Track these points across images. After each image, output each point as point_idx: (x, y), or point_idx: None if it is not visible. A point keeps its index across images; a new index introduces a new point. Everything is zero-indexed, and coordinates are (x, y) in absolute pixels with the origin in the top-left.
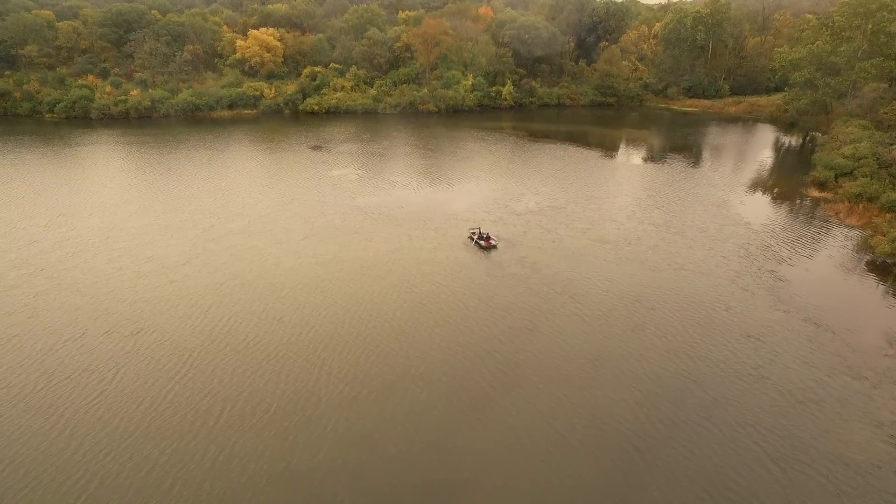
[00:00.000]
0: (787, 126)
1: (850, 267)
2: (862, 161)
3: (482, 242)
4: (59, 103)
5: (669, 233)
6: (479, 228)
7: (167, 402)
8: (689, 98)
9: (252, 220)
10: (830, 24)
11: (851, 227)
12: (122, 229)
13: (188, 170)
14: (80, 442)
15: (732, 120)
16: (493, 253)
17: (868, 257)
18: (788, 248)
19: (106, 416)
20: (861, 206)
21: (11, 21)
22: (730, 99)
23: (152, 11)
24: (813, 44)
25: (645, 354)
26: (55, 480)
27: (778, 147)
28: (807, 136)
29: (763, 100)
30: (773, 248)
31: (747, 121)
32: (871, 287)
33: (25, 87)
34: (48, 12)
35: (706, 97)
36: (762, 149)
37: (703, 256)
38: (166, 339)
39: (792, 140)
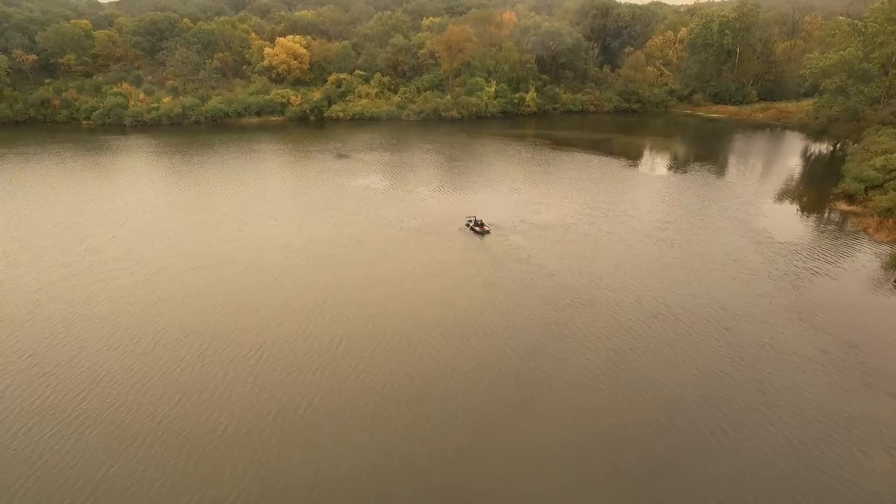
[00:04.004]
0: (816, 134)
1: (879, 286)
2: (893, 173)
3: (476, 228)
4: (95, 111)
5: (697, 248)
6: (475, 216)
7: (225, 411)
8: (716, 104)
9: (297, 227)
10: (863, 30)
11: (881, 243)
12: (177, 239)
13: (227, 178)
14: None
15: (760, 127)
16: (525, 268)
17: None
18: (816, 265)
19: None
20: (891, 221)
21: (51, 31)
22: (757, 105)
23: (183, 20)
24: (844, 50)
25: (665, 372)
26: (145, 485)
27: (807, 156)
28: (837, 144)
29: (792, 106)
30: (800, 265)
31: (775, 128)
32: None
33: (64, 94)
34: (86, 22)
35: (733, 103)
36: (790, 158)
37: (730, 272)
38: (220, 346)
39: (821, 148)
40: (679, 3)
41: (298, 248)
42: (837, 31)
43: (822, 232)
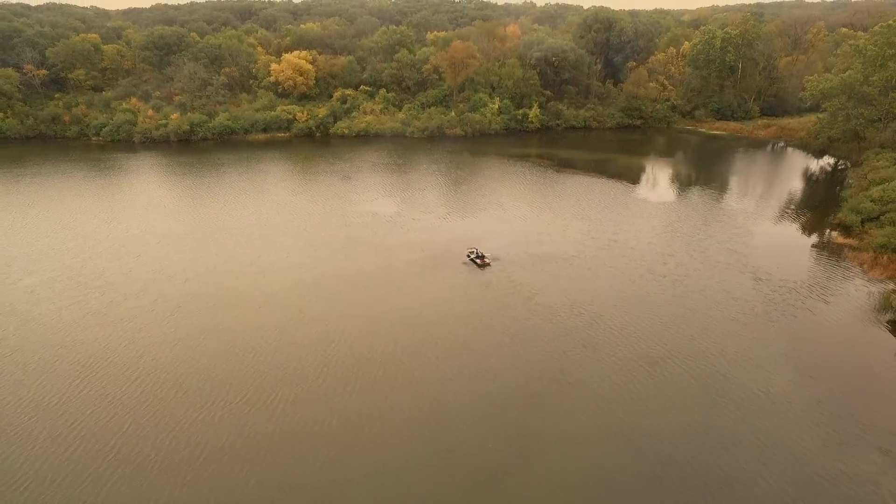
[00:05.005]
0: (817, 153)
1: (872, 329)
2: (890, 205)
3: (478, 261)
4: (104, 127)
5: (697, 284)
6: (476, 249)
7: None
8: (718, 120)
9: (308, 259)
10: (863, 53)
11: (874, 280)
12: (192, 272)
13: (238, 204)
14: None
15: (762, 145)
16: (528, 308)
17: (890, 317)
18: (812, 304)
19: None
20: (886, 257)
21: (62, 46)
22: (760, 121)
23: (191, 34)
24: (845, 72)
25: (662, 422)
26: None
27: (807, 177)
28: (838, 162)
29: (794, 122)
30: (797, 304)
31: (777, 146)
32: (891, 351)
33: (74, 110)
34: (94, 36)
35: (735, 119)
36: (790, 181)
37: (729, 312)
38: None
39: (822, 169)
40: (681, 9)
41: (310, 282)
42: (840, 53)
43: (818, 267)
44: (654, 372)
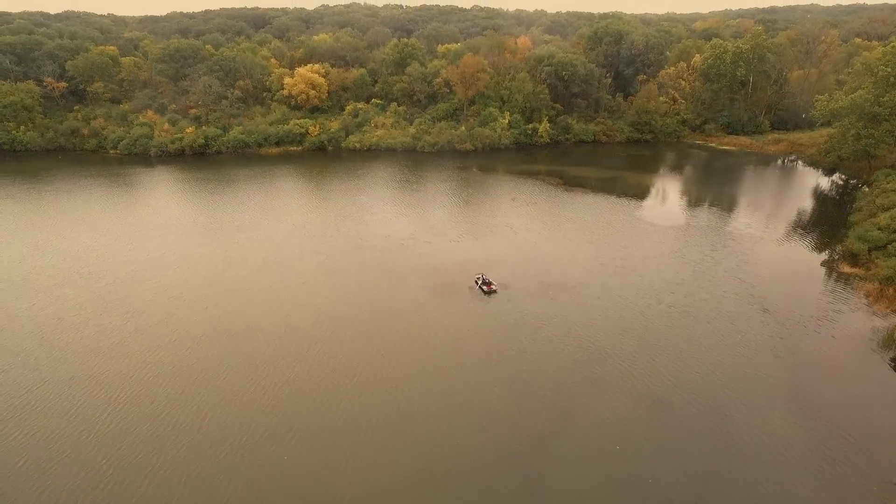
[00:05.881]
0: (827, 170)
1: (875, 366)
2: None
3: (484, 287)
4: (122, 140)
5: (704, 315)
6: (482, 275)
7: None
8: (728, 135)
9: (324, 285)
10: (874, 72)
11: (879, 315)
12: (211, 302)
13: (254, 224)
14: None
15: (772, 161)
16: (535, 341)
17: (893, 354)
18: (816, 339)
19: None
20: (892, 290)
21: (81, 60)
22: (770, 136)
23: (206, 46)
24: (855, 92)
25: (663, 467)
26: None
27: (817, 196)
28: (848, 181)
29: (805, 137)
30: (803, 339)
31: (787, 162)
32: (893, 392)
33: (93, 123)
34: (112, 48)
35: (745, 133)
36: (800, 200)
37: (735, 348)
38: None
39: (832, 188)
40: (693, 13)
41: (325, 312)
42: (851, 71)
43: (825, 298)
44: (658, 410)
